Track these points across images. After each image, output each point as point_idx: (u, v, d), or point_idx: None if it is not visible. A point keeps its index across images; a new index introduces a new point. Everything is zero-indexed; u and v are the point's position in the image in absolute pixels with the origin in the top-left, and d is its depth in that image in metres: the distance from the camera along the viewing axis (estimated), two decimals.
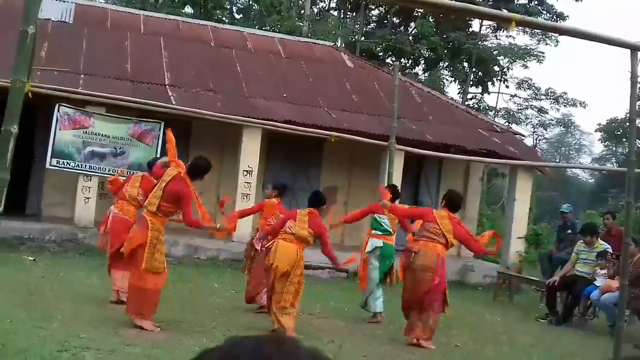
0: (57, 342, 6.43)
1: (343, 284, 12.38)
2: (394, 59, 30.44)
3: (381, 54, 32.18)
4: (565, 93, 37.49)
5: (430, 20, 31.25)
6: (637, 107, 7.28)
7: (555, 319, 11.21)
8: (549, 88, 37.92)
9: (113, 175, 13.54)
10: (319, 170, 16.89)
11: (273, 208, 9.56)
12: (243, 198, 14.38)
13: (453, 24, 31.33)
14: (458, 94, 35.12)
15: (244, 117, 13.87)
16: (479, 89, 35.23)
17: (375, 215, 9.77)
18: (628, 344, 8.73)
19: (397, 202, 10.16)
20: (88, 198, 13.81)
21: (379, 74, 18.59)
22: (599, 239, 11.55)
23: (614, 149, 50.46)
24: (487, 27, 34.20)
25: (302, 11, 31.25)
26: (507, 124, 32.24)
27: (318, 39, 22.93)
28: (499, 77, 34.77)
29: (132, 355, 6.38)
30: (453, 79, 34.49)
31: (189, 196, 7.55)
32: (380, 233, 9.77)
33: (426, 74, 33.85)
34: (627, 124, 9.22)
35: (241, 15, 34.25)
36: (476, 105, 34.60)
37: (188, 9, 30.77)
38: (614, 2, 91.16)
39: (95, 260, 11.29)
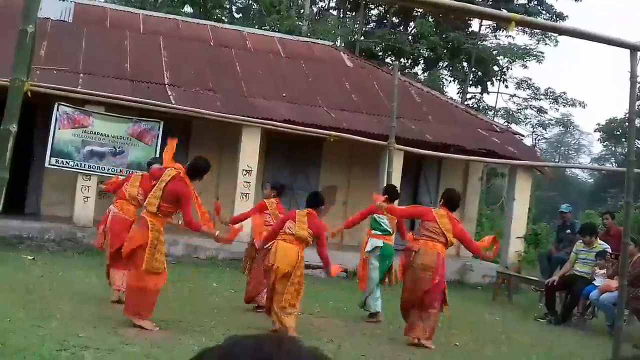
0: (56, 341, 6.42)
1: (342, 284, 12.37)
2: (393, 58, 30.44)
3: (380, 53, 32.18)
4: (564, 93, 37.58)
5: (430, 20, 31.24)
6: (636, 107, 7.28)
7: (554, 319, 11.22)
8: (549, 88, 38.01)
9: (113, 175, 13.62)
10: (318, 169, 16.90)
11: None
12: (242, 197, 14.38)
13: (452, 23, 31.33)
14: (457, 93, 35.17)
15: (243, 116, 13.86)
16: (479, 89, 35.24)
17: (374, 215, 9.77)
18: (627, 343, 8.73)
19: (396, 202, 10.16)
20: (87, 197, 13.81)
21: (379, 74, 18.59)
22: (598, 238, 11.55)
23: (613, 149, 50.50)
24: (486, 27, 34.22)
25: (302, 11, 31.24)
26: (506, 123, 32.24)
27: (317, 39, 22.92)
28: (498, 77, 34.77)
29: (131, 355, 6.37)
30: (452, 78, 34.50)
31: (188, 196, 7.54)
32: (379, 233, 9.77)
33: (425, 74, 33.86)
34: (627, 124, 9.21)
35: (240, 15, 34.25)
36: (475, 105, 34.61)
37: (187, 9, 30.77)
38: (614, 2, 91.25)
39: (94, 259, 11.28)
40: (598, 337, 10.26)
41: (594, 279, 10.97)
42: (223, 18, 30.90)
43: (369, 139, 13.39)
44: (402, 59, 31.17)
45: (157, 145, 14.07)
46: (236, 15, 34.13)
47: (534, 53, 33.92)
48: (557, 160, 53.36)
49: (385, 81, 17.22)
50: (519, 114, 40.08)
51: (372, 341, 8.36)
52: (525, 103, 39.11)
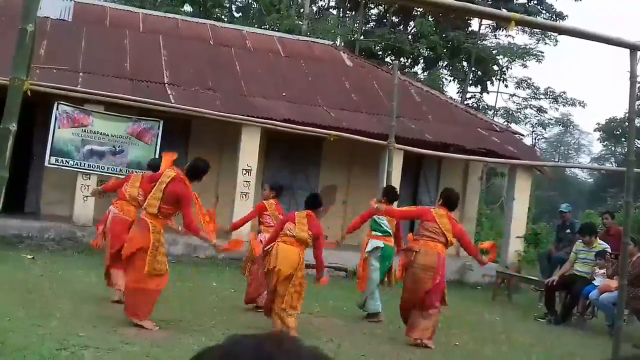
0: (56, 341, 6.42)
1: (342, 283, 12.37)
2: (393, 58, 30.44)
3: (380, 53, 32.17)
4: (564, 92, 37.52)
5: (430, 19, 31.23)
6: (636, 106, 7.28)
7: (554, 319, 11.22)
8: (548, 87, 37.94)
9: (113, 174, 13.63)
10: (318, 169, 16.90)
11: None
12: (242, 197, 14.39)
13: (452, 23, 31.32)
14: (457, 93, 35.17)
15: (243, 115, 13.85)
16: (478, 88, 35.23)
17: (374, 216, 9.76)
18: (627, 343, 8.73)
19: (395, 204, 10.15)
20: (87, 196, 13.79)
21: (378, 73, 18.59)
22: (597, 238, 11.55)
23: (612, 148, 50.49)
24: (486, 27, 34.20)
25: (302, 10, 31.23)
26: (506, 123, 32.22)
27: (317, 38, 22.91)
28: (498, 77, 34.75)
29: (131, 354, 6.37)
30: (452, 78, 34.48)
31: (188, 198, 7.56)
32: (380, 234, 9.77)
33: (425, 73, 33.85)
34: (626, 123, 9.21)
35: (240, 14, 34.24)
36: (475, 105, 34.60)
37: (187, 8, 30.75)
38: (613, 1, 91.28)
39: (94, 258, 11.28)
40: (598, 337, 10.26)
41: (594, 279, 10.97)
42: (223, 17, 30.88)
43: (368, 139, 13.38)
44: (401, 59, 31.17)
45: (156, 144, 14.07)
46: (236, 15, 34.12)
47: (534, 52, 33.90)
48: (556, 159, 53.36)
49: (385, 80, 17.22)
50: (519, 113, 40.05)
51: (372, 341, 8.36)
52: (525, 102, 39.09)
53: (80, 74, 14.64)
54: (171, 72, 15.77)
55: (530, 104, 39.23)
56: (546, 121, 43.09)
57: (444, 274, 8.31)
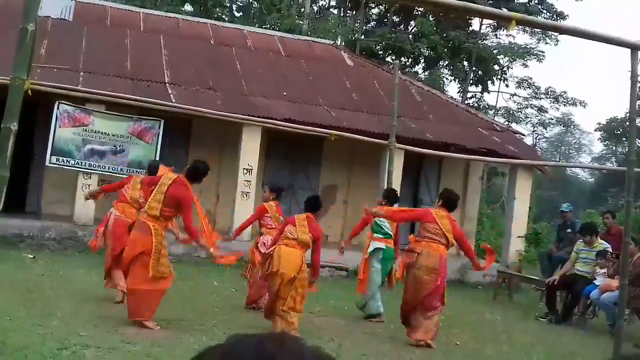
0: (57, 340, 6.42)
1: (343, 283, 12.38)
2: (393, 57, 30.43)
3: (381, 52, 32.17)
4: (565, 92, 37.52)
5: (430, 19, 31.23)
6: (637, 106, 7.27)
7: (555, 318, 11.21)
8: (549, 87, 37.95)
9: (113, 173, 13.64)
10: (318, 168, 16.90)
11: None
12: (243, 196, 14.38)
13: (453, 22, 31.31)
14: (458, 92, 35.14)
15: (243, 115, 13.84)
16: (479, 88, 35.23)
17: (375, 218, 9.75)
18: (628, 343, 8.73)
19: (396, 205, 10.15)
20: None
21: (379, 73, 18.58)
22: (598, 238, 11.55)
23: (613, 148, 50.47)
24: (487, 26, 34.18)
25: (302, 9, 31.22)
26: (507, 123, 32.23)
27: (318, 38, 22.91)
28: (498, 76, 34.75)
29: (132, 354, 6.37)
30: (453, 77, 34.48)
31: (189, 202, 7.60)
32: (381, 236, 9.77)
33: (426, 73, 33.86)
34: (627, 123, 9.22)
35: (241, 13, 34.24)
36: (476, 104, 34.59)
37: (188, 7, 30.74)
38: (614, 1, 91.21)
39: (95, 258, 11.27)
40: (599, 337, 10.25)
41: (595, 279, 10.96)
42: (223, 17, 30.86)
43: (369, 138, 13.37)
44: (402, 58, 31.17)
45: (157, 143, 14.08)
46: (236, 14, 34.11)
47: (535, 52, 33.89)
48: (557, 159, 53.34)
49: (385, 80, 17.21)
50: (520, 113, 40.05)
51: (372, 340, 8.36)
52: (526, 102, 39.08)
53: (81, 73, 14.64)
54: (172, 71, 15.77)
55: (531, 104, 39.23)
56: (547, 121, 43.09)
57: (445, 275, 8.32)
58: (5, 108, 4.95)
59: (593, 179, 54.75)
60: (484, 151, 15.81)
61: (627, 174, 7.12)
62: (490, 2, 29.17)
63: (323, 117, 15.19)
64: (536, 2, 34.19)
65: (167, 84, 15.23)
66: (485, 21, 32.57)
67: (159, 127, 14.12)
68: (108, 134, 13.94)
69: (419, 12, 31.84)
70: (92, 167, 13.84)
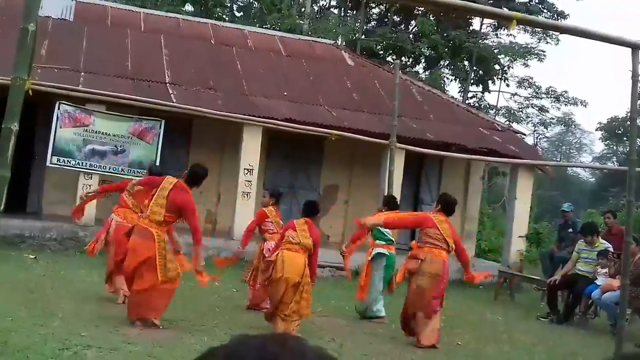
0: (58, 341, 6.42)
1: (344, 283, 12.36)
2: (394, 57, 30.42)
3: (382, 52, 32.16)
4: (566, 92, 37.51)
5: (431, 18, 31.23)
6: (638, 105, 7.27)
7: (556, 318, 11.21)
8: (550, 87, 37.93)
9: (114, 173, 13.63)
10: (319, 168, 16.89)
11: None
12: (244, 196, 14.38)
13: (454, 22, 31.31)
14: (459, 92, 35.14)
15: (244, 115, 13.85)
16: (480, 88, 35.23)
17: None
18: (629, 343, 8.72)
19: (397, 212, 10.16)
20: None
21: (380, 73, 18.58)
22: (599, 237, 11.54)
23: (614, 147, 50.44)
24: (487, 26, 34.17)
25: (303, 9, 31.23)
26: (507, 122, 32.21)
27: (318, 37, 22.91)
28: (499, 76, 34.74)
29: (133, 354, 6.37)
30: (454, 77, 34.48)
31: (192, 206, 7.65)
32: (383, 243, 9.76)
33: (427, 73, 33.85)
34: (628, 122, 9.21)
35: (241, 13, 34.24)
36: (477, 104, 34.58)
37: (188, 7, 30.75)
38: (615, 1, 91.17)
39: (96, 258, 11.26)
40: (600, 337, 10.25)
41: (596, 278, 10.96)
42: (224, 16, 30.86)
43: (370, 138, 13.37)
44: (403, 58, 31.16)
45: (158, 144, 14.08)
46: (237, 14, 34.11)
47: (535, 52, 33.88)
48: (558, 159, 53.33)
49: (386, 80, 17.21)
50: (521, 112, 40.02)
51: (374, 340, 8.35)
52: (527, 102, 39.06)
53: (82, 73, 14.64)
54: (172, 71, 15.77)
55: (532, 103, 39.21)
56: (548, 120, 43.07)
57: (447, 281, 8.35)
58: (6, 108, 4.95)
59: (594, 179, 54.72)
60: (484, 151, 15.80)
61: (628, 174, 7.11)
62: (491, 1, 29.15)
63: (324, 117, 15.19)
64: (537, 1, 34.20)
65: (167, 84, 15.23)
66: (486, 21, 32.57)
67: (160, 127, 14.11)
68: (109, 134, 13.93)
69: (420, 12, 31.84)
70: (93, 168, 13.84)
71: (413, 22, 33.25)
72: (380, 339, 8.46)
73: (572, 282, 11.24)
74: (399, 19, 34.41)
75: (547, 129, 46.60)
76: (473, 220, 18.03)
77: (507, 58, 34.01)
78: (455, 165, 17.59)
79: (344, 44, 27.20)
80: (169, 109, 13.56)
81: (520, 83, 37.30)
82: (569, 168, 48.18)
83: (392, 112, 12.31)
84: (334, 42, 22.92)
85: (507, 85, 36.17)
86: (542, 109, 39.71)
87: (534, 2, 34.00)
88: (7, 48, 11.80)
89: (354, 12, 34.31)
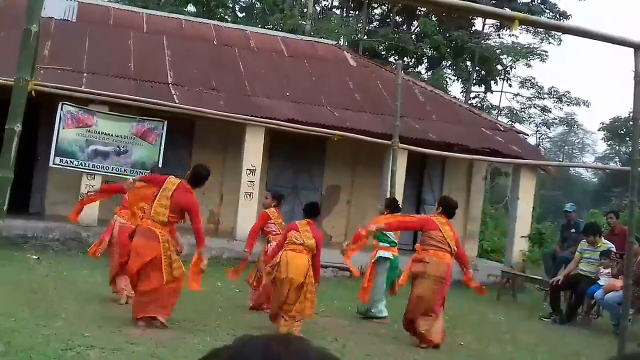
0: (61, 341, 6.43)
1: (347, 283, 12.37)
2: (396, 57, 30.41)
3: (384, 52, 32.17)
4: (568, 92, 37.50)
5: (433, 19, 31.23)
6: None
7: (559, 318, 11.20)
8: (552, 87, 37.92)
9: (117, 174, 13.64)
10: (322, 169, 16.90)
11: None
12: (246, 197, 14.38)
13: (456, 22, 31.31)
14: (461, 92, 35.11)
15: (246, 115, 13.86)
16: (482, 88, 35.21)
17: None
18: (632, 342, 8.71)
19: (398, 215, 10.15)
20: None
21: (382, 73, 18.58)
22: (602, 238, 11.53)
23: (617, 147, 50.41)
24: (490, 26, 34.17)
25: (305, 10, 31.23)
26: (510, 122, 32.22)
27: (321, 38, 22.91)
28: (502, 76, 34.73)
29: (136, 354, 6.38)
30: (456, 77, 34.48)
31: (196, 207, 7.68)
32: (387, 245, 9.78)
33: (429, 73, 33.84)
34: (631, 122, 9.20)
35: (244, 14, 34.24)
36: (479, 104, 34.58)
37: (191, 8, 30.77)
38: (617, 1, 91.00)
39: (99, 259, 11.29)
40: (603, 337, 10.24)
41: (599, 278, 10.96)
42: (226, 17, 30.89)
43: (372, 138, 13.38)
44: (405, 58, 31.16)
45: (160, 144, 14.09)
46: (239, 15, 34.12)
47: (538, 52, 33.88)
48: (561, 159, 53.25)
49: (388, 80, 17.20)
50: (523, 113, 40.01)
51: (376, 340, 8.36)
52: (529, 102, 39.04)
53: (84, 74, 14.66)
54: (175, 72, 15.78)
55: (534, 104, 39.20)
56: (550, 121, 43.08)
57: (450, 283, 8.35)
58: (9, 109, 4.96)
59: (597, 179, 54.67)
60: (487, 151, 15.80)
61: (631, 174, 7.11)
62: (493, 2, 29.16)
63: (326, 118, 15.20)
64: (539, 1, 34.19)
65: (170, 85, 15.24)
66: (488, 21, 32.56)
67: (162, 128, 14.12)
68: (111, 135, 13.95)
69: (422, 12, 31.84)
70: (96, 168, 13.86)
71: (415, 23, 33.25)
72: (382, 339, 8.46)
73: (575, 282, 11.23)
74: (401, 19, 34.42)
75: (549, 129, 46.64)
76: (475, 221, 18.02)
77: (510, 58, 34.02)
78: (458, 166, 17.58)
79: (346, 44, 27.21)
80: (171, 110, 13.58)
81: (523, 83, 37.29)
82: (571, 168, 48.15)
83: (394, 112, 12.32)
84: (336, 42, 22.92)
85: (510, 85, 36.18)
86: (544, 109, 39.71)
87: (536, 3, 34.00)
88: (8, 48, 11.83)
89: (356, 12, 34.32)
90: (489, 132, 16.83)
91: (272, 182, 15.60)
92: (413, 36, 32.18)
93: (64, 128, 13.63)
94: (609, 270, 10.89)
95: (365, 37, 31.39)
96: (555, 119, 43.22)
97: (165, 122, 14.09)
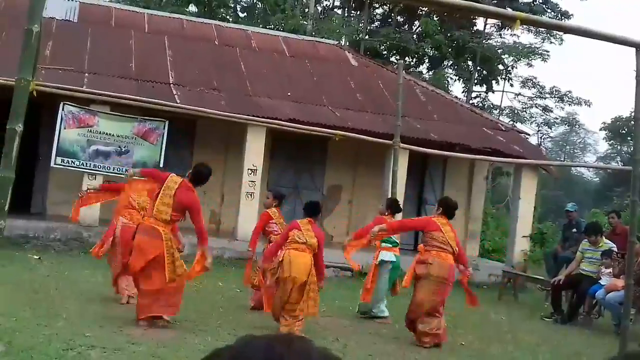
0: (63, 341, 6.43)
1: (348, 283, 12.38)
2: (398, 57, 30.43)
3: (385, 52, 32.17)
4: (569, 91, 37.54)
5: (435, 18, 31.22)
6: None
7: (560, 318, 11.20)
8: (554, 86, 37.94)
9: (118, 174, 13.64)
10: (323, 168, 16.90)
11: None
12: (247, 197, 14.38)
13: (457, 22, 31.31)
14: (462, 92, 35.14)
15: (248, 115, 13.86)
16: (484, 88, 35.23)
17: None
18: (634, 342, 8.70)
19: (399, 215, 10.16)
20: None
21: (383, 73, 18.57)
22: (603, 237, 11.52)
23: (618, 147, 50.40)
24: (491, 26, 34.18)
25: (306, 10, 31.23)
26: (511, 122, 32.21)
27: (322, 38, 22.91)
28: (503, 76, 34.73)
29: (137, 354, 6.38)
30: (457, 77, 34.48)
31: (198, 206, 7.69)
32: (390, 245, 9.79)
33: (430, 73, 33.85)
34: (632, 122, 9.20)
35: (245, 14, 34.25)
36: (480, 104, 34.58)
37: (192, 8, 30.79)
38: (619, 0, 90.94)
39: (101, 259, 11.29)
40: (604, 337, 10.23)
41: (600, 278, 10.95)
42: (228, 17, 30.90)
43: (374, 138, 13.38)
44: (406, 58, 31.16)
45: (162, 144, 14.09)
46: (241, 15, 34.13)
47: (539, 52, 33.88)
48: (562, 159, 53.24)
49: (390, 80, 17.20)
50: (524, 112, 40.00)
51: (377, 340, 8.35)
52: (531, 102, 39.05)
53: (86, 74, 14.67)
54: (176, 72, 15.78)
55: (536, 103, 39.20)
56: (552, 120, 43.04)
57: (452, 284, 8.36)
58: (10, 109, 4.96)
59: (598, 179, 54.65)
60: (488, 151, 15.79)
61: (633, 173, 7.10)
62: (495, 1, 29.15)
63: (327, 118, 15.20)
64: (541, 1, 34.20)
65: (171, 85, 15.25)
66: (490, 21, 32.57)
67: (164, 128, 14.13)
68: (113, 135, 13.95)
69: (423, 12, 31.84)
70: (97, 168, 13.86)
71: (417, 23, 33.25)
72: (384, 339, 8.46)
73: (576, 282, 11.22)
74: (402, 19, 34.42)
75: (551, 128, 46.59)
76: (477, 220, 18.02)
77: (511, 58, 34.01)
78: (459, 165, 17.58)
79: (347, 44, 27.22)
80: (172, 110, 13.58)
81: (524, 83, 37.30)
82: (573, 168, 48.13)
83: (395, 112, 12.32)
84: (337, 42, 22.93)
85: (511, 85, 36.18)
86: (546, 109, 39.70)
87: (537, 2, 33.99)
88: (9, 49, 11.85)
89: (358, 12, 34.33)
90: (491, 132, 16.83)
91: (274, 182, 15.59)
92: (414, 36, 32.19)
93: (65, 128, 13.64)
94: (610, 270, 10.88)
95: (367, 37, 31.39)
96: (557, 118, 43.20)
97: (167, 122, 14.10)
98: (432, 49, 31.46)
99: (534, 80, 37.22)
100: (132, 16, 18.21)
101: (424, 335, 8.19)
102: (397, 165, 11.91)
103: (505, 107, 38.45)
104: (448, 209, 8.59)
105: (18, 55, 5.17)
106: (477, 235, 18.20)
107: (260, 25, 26.55)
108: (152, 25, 17.65)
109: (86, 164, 13.79)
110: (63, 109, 13.55)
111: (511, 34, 34.35)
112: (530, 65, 35.08)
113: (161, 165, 12.95)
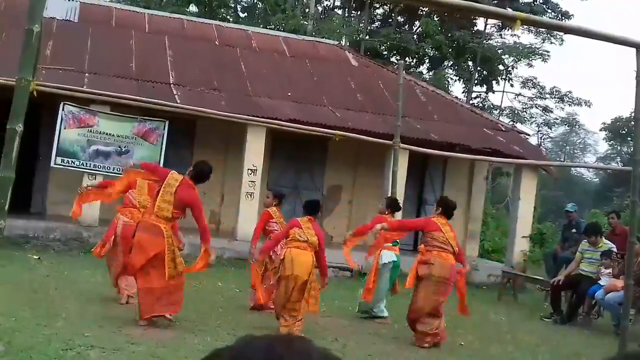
0: (62, 341, 6.44)
1: (347, 283, 12.38)
2: (398, 57, 30.42)
3: (386, 52, 32.17)
4: (570, 92, 37.50)
5: (435, 19, 31.22)
6: None
7: (559, 318, 11.20)
8: (554, 87, 37.91)
9: (119, 174, 13.62)
10: (323, 169, 16.90)
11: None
12: (247, 197, 14.39)
13: (458, 22, 31.31)
14: (462, 92, 35.13)
15: (248, 115, 13.86)
16: (484, 88, 35.22)
17: None
18: (633, 343, 8.71)
19: (399, 214, 10.16)
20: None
21: (384, 73, 18.58)
22: (603, 238, 11.53)
23: (618, 147, 50.38)
24: (491, 26, 34.17)
25: (307, 10, 31.24)
26: (511, 123, 32.20)
27: (322, 38, 22.92)
28: (503, 76, 34.72)
29: (137, 354, 6.38)
30: (457, 77, 34.46)
31: (199, 203, 7.70)
32: (390, 244, 9.78)
33: (431, 73, 33.85)
34: (632, 122, 9.20)
35: (245, 14, 34.25)
36: (481, 104, 34.57)
37: (193, 8, 30.80)
38: (619, 1, 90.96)
39: (102, 259, 11.29)
40: (604, 337, 10.24)
41: (600, 279, 10.95)
42: (228, 17, 30.90)
43: (374, 138, 13.38)
44: (407, 58, 31.15)
45: (162, 144, 14.09)
46: (241, 15, 34.13)
47: (540, 52, 33.86)
48: (562, 159, 53.22)
49: (390, 80, 17.20)
50: (525, 113, 39.98)
51: (377, 340, 8.36)
52: (531, 102, 39.03)
53: (86, 74, 14.67)
54: (176, 72, 15.79)
55: (536, 104, 39.19)
56: (552, 121, 43.02)
57: (453, 283, 8.36)
58: (10, 109, 4.96)
59: (598, 179, 54.65)
60: (488, 151, 15.79)
61: (633, 174, 7.11)
62: (495, 1, 29.15)
63: (328, 118, 15.20)
64: (541, 1, 34.19)
65: (171, 85, 15.25)
66: (490, 21, 32.58)
67: (164, 128, 14.12)
68: (113, 135, 13.96)
69: (424, 12, 31.84)
70: (97, 168, 13.86)
71: (417, 23, 33.25)
72: (383, 339, 8.46)
73: (576, 282, 11.23)
74: (403, 19, 34.42)
75: (551, 129, 46.56)
76: (477, 221, 18.02)
77: (511, 58, 34.01)
78: (459, 166, 17.58)
79: (347, 44, 27.23)
80: (173, 110, 13.57)
81: (524, 83, 37.29)
82: (572, 168, 48.15)
83: (396, 112, 12.32)
84: (337, 42, 22.93)
85: (511, 85, 36.16)
86: (546, 109, 39.69)
87: (538, 2, 33.99)
88: (10, 49, 11.84)
89: (358, 12, 34.32)
90: (491, 132, 16.83)
91: (274, 182, 15.59)
92: (415, 36, 32.19)
93: (65, 128, 13.64)
94: (609, 270, 10.88)
95: (367, 37, 31.39)
96: (557, 119, 43.18)
97: (167, 122, 14.09)
98: (432, 49, 31.46)
99: (534, 80, 37.23)
100: (133, 16, 18.22)
101: (424, 335, 8.19)
102: (397, 165, 11.91)
103: (505, 107, 38.47)
104: (447, 209, 8.60)
105: (18, 55, 5.17)
106: (477, 235, 18.21)
107: (261, 26, 26.56)
108: (153, 25, 17.65)
109: (86, 164, 13.79)
110: (63, 109, 13.55)
111: (511, 34, 34.38)
112: (531, 66, 35.10)
113: (161, 165, 12.93)
